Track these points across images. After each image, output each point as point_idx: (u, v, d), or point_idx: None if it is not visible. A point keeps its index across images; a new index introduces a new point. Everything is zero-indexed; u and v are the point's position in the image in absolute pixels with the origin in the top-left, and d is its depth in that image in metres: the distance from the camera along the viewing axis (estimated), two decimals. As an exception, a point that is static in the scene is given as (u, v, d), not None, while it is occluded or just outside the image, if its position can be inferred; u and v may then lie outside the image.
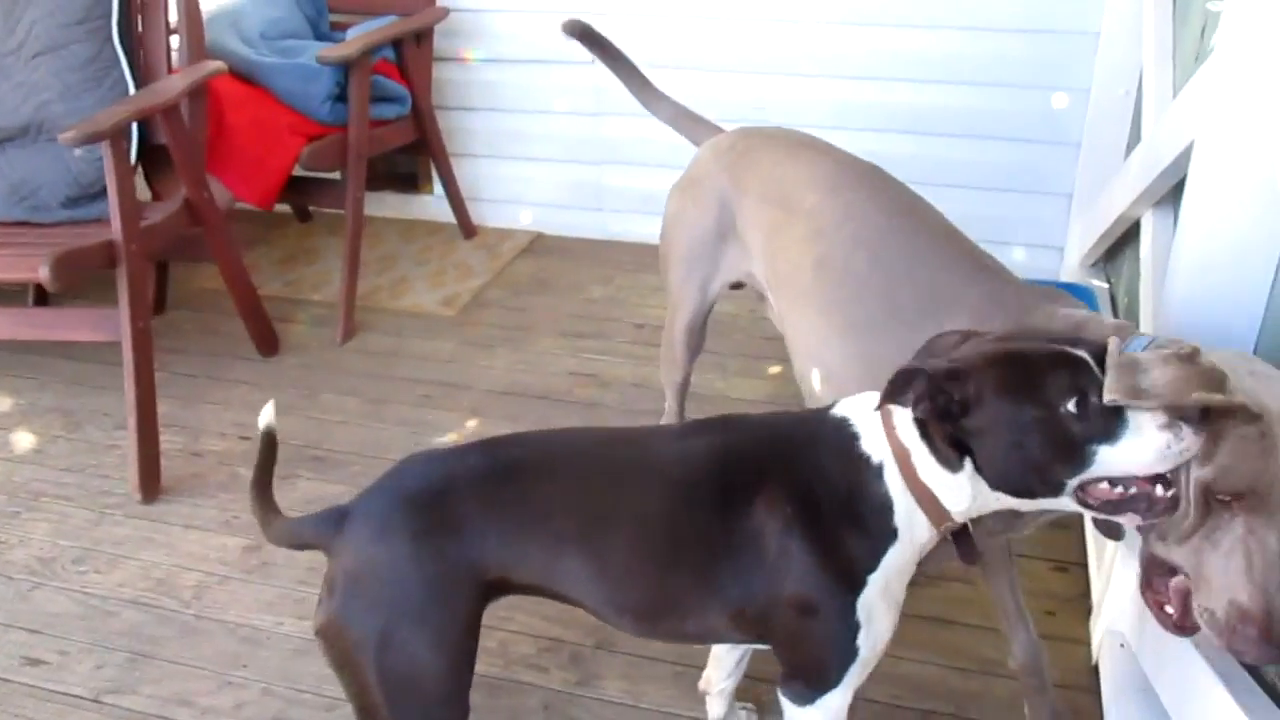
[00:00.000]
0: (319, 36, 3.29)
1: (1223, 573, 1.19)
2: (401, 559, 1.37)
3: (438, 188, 3.75)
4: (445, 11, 3.30)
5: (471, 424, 2.66)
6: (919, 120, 3.21)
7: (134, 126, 2.53)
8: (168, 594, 2.15)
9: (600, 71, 3.30)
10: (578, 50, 3.11)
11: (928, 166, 2.90)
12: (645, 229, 3.56)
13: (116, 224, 2.29)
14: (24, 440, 2.66)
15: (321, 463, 2.55)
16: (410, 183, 3.81)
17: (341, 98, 2.97)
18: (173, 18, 2.64)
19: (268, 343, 2.98)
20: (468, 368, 2.93)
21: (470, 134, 3.62)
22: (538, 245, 3.65)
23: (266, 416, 1.61)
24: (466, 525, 1.37)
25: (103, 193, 2.49)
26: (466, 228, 3.67)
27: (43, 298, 2.84)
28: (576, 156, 3.59)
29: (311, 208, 3.86)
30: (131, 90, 2.55)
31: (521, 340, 3.06)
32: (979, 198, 3.18)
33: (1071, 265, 3.15)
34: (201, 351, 3.01)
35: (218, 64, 2.60)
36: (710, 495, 1.36)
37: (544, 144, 3.61)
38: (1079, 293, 2.61)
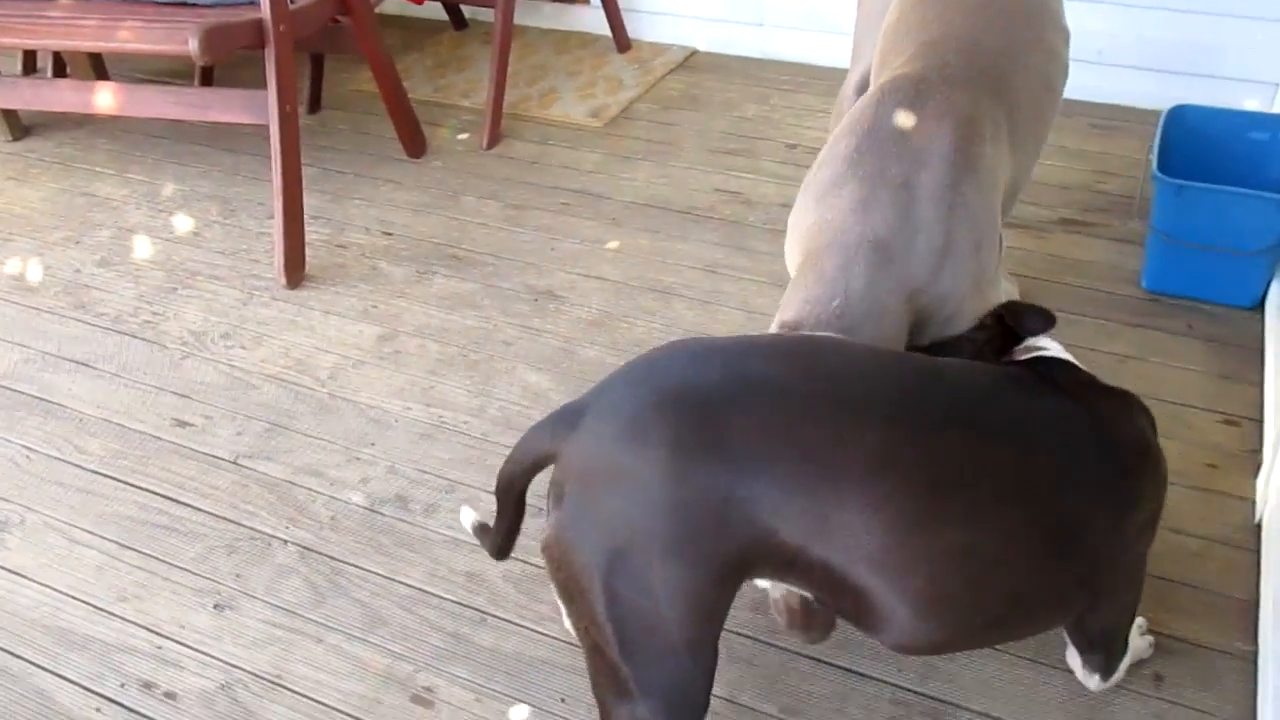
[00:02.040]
0: None
1: None
2: (653, 471, 1.07)
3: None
4: None
5: (611, 239, 2.60)
6: None
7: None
8: (305, 373, 2.21)
9: None
10: None
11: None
12: (807, 48, 3.37)
13: (265, 3, 2.26)
14: (183, 223, 2.75)
15: (458, 261, 2.54)
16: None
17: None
18: None
19: (415, 144, 2.96)
20: (610, 179, 2.85)
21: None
22: (693, 62, 3.48)
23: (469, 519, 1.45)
24: (744, 453, 1.07)
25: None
26: (621, 41, 3.53)
27: (207, 82, 2.88)
28: (738, -32, 3.37)
29: (469, 15, 3.78)
30: None
31: (667, 155, 2.95)
32: (1180, 21, 2.83)
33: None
34: (351, 150, 3.02)
35: None
36: (1083, 451, 1.22)
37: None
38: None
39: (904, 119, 1.48)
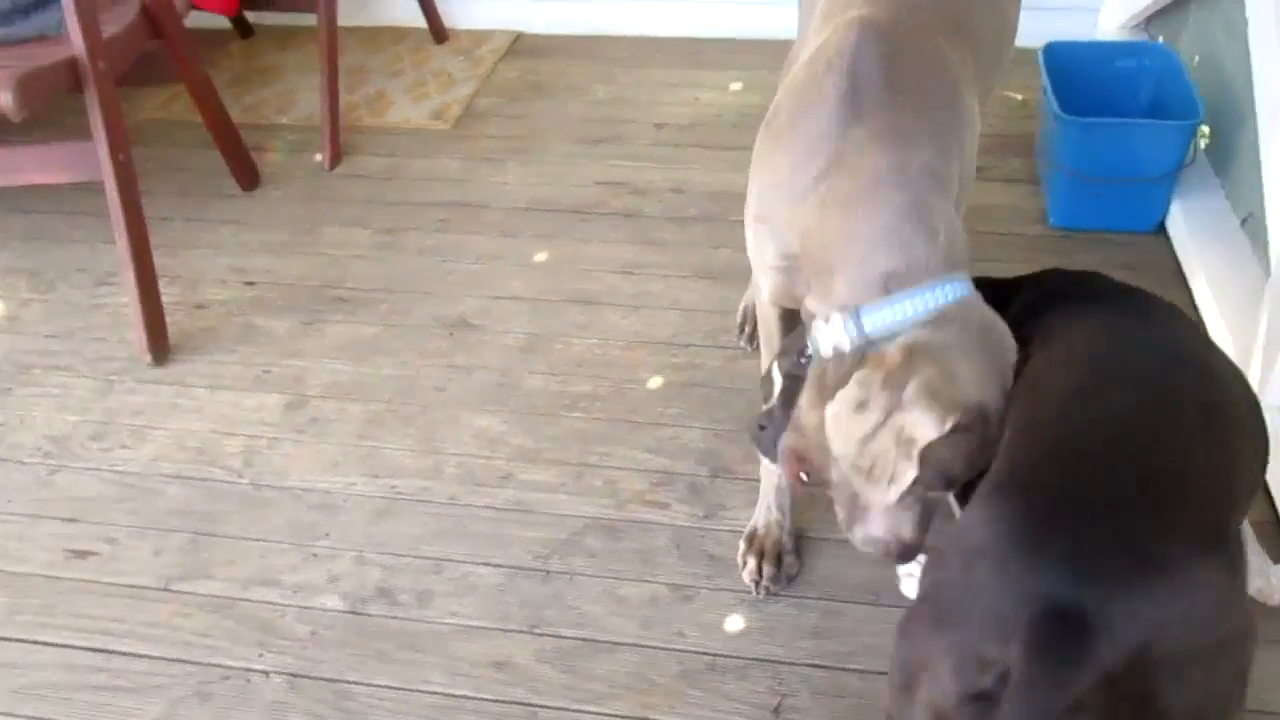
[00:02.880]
0: None
1: None
2: None
3: (399, -13, 3.33)
4: None
5: (508, 252, 2.39)
6: None
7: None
8: (213, 464, 1.90)
9: None
10: None
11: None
12: (640, 20, 3.23)
13: (77, 36, 1.89)
14: (-10, 308, 2.31)
15: (346, 302, 2.27)
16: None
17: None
18: None
19: (248, 175, 2.62)
20: (481, 185, 2.63)
21: (432, -81, 3.16)
22: (520, 46, 3.27)
23: None
24: None
25: (41, 2, 2.08)
26: (437, 31, 3.26)
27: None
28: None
29: (253, 20, 3.39)
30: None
31: (532, 151, 2.75)
32: None
33: (1108, 28, 2.92)
34: (172, 191, 2.63)
35: None
36: None
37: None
38: (1158, 52, 2.40)
39: (890, 62, 1.35)
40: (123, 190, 2.00)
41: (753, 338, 2.03)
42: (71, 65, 1.90)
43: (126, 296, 2.13)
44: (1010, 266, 2.19)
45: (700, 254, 2.33)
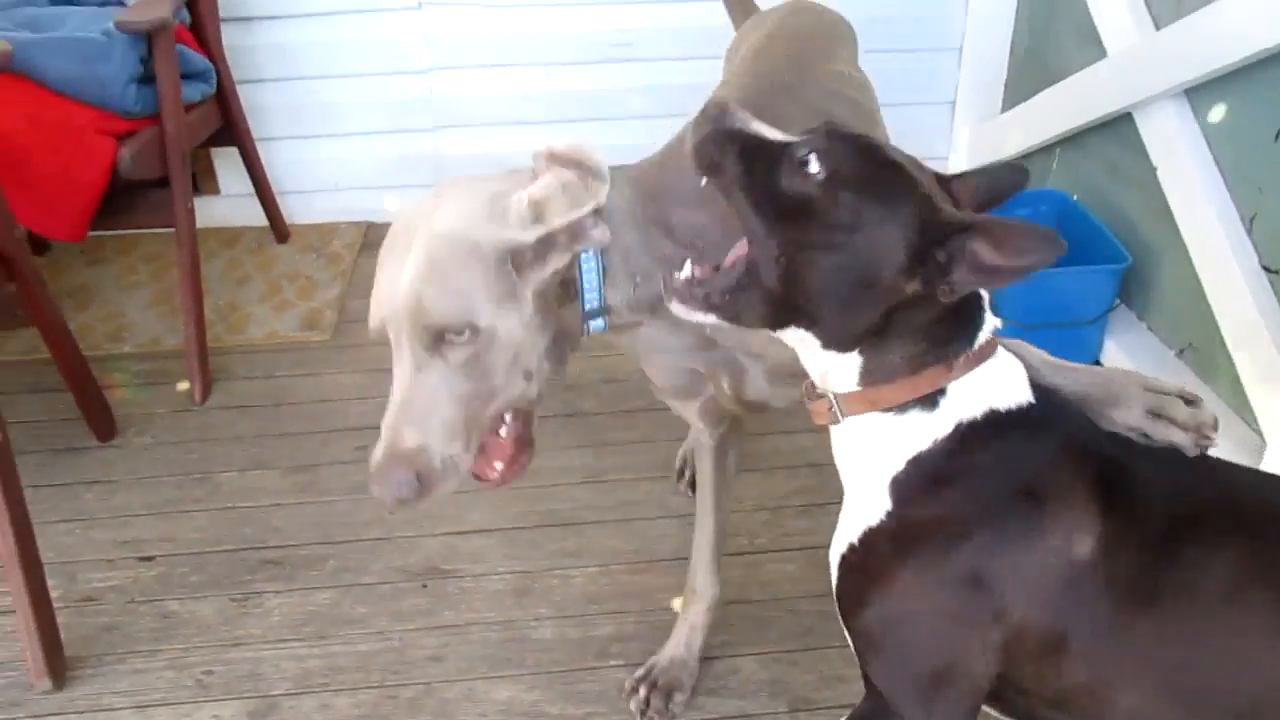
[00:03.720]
0: (55, 1, 2.42)
1: None
2: None
3: (226, 185, 3.00)
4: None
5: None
6: None
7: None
8: (178, 814, 1.48)
9: (429, 17, 2.76)
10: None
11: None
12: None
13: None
14: None
15: (280, 565, 1.90)
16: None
17: (146, 79, 2.20)
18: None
19: (104, 421, 2.19)
20: (374, 411, 2.32)
21: (264, 112, 2.89)
22: (374, 238, 3.01)
23: None
24: None
25: None
26: (280, 229, 2.96)
27: None
28: (405, 125, 2.99)
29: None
30: None
31: (433, 354, 2.48)
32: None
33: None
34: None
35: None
36: None
37: (364, 114, 2.96)
38: (1054, 199, 2.52)
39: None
40: (5, 476, 1.58)
41: (692, 483, 1.88)
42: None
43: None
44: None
45: (662, 449, 2.15)
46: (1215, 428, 1.06)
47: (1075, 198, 2.54)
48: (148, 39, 2.15)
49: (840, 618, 1.08)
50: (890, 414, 1.02)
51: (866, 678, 1.09)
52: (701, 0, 2.85)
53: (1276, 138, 1.89)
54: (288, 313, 2.65)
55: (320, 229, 3.04)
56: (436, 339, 1.07)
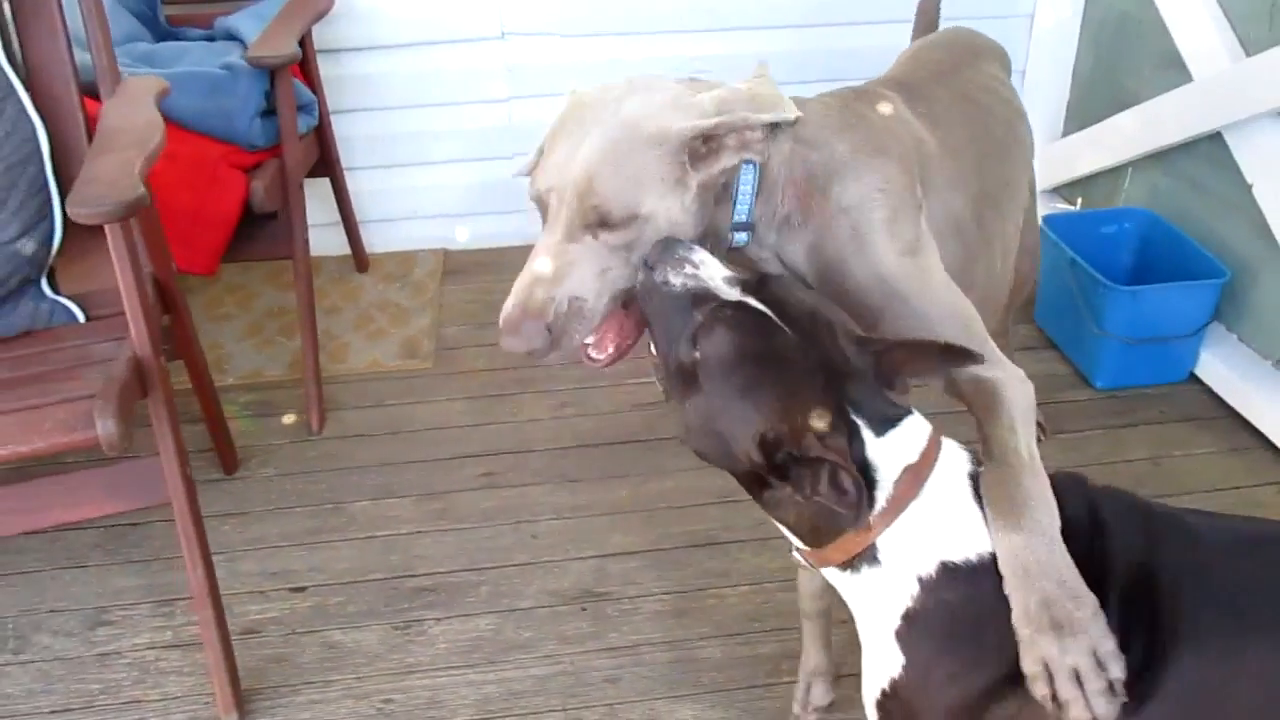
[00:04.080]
0: (160, 37, 2.43)
1: None
2: None
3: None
4: (334, -11, 2.58)
5: (584, 500, 2.13)
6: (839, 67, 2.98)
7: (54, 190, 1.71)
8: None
9: (511, 46, 2.79)
10: (479, 21, 2.60)
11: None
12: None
13: (140, 332, 1.51)
14: (-52, 687, 1.74)
15: (435, 592, 1.92)
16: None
17: (266, 111, 2.22)
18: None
19: (231, 454, 2.20)
20: (504, 428, 2.35)
21: (346, 141, 2.90)
22: (453, 265, 3.04)
23: None
24: None
25: (20, 290, 1.67)
26: (361, 259, 2.97)
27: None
28: (484, 153, 3.02)
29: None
30: (40, 128, 1.70)
31: (538, 379, 2.51)
32: None
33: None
34: (136, 488, 2.15)
35: (155, 80, 1.80)
36: None
37: (444, 143, 2.99)
38: (1139, 217, 2.59)
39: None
40: (191, 510, 1.59)
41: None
42: (136, 369, 1.50)
43: (144, 637, 1.71)
44: (1084, 436, 2.25)
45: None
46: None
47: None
48: (270, 72, 2.17)
49: None
50: (849, 573, 1.06)
51: None
52: (778, 29, 2.94)
53: (1388, 156, 1.97)
54: (383, 341, 2.67)
55: (398, 257, 3.06)
56: (598, 219, 1.11)
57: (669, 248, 1.10)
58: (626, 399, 2.42)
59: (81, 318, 1.73)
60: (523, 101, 2.95)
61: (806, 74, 2.94)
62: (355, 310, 2.80)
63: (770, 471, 1.01)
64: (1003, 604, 1.01)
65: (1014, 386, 1.15)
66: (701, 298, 1.06)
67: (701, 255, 1.10)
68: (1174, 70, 2.48)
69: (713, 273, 1.08)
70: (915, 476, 1.02)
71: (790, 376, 1.00)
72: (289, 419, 2.38)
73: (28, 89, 1.70)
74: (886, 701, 1.07)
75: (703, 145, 1.13)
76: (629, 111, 1.13)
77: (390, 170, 3.00)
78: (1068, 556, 1.01)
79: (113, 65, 1.79)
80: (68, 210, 1.36)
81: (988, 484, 1.05)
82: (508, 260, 2.99)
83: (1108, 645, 0.98)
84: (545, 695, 1.71)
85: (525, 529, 2.05)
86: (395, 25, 2.81)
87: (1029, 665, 0.99)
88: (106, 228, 1.43)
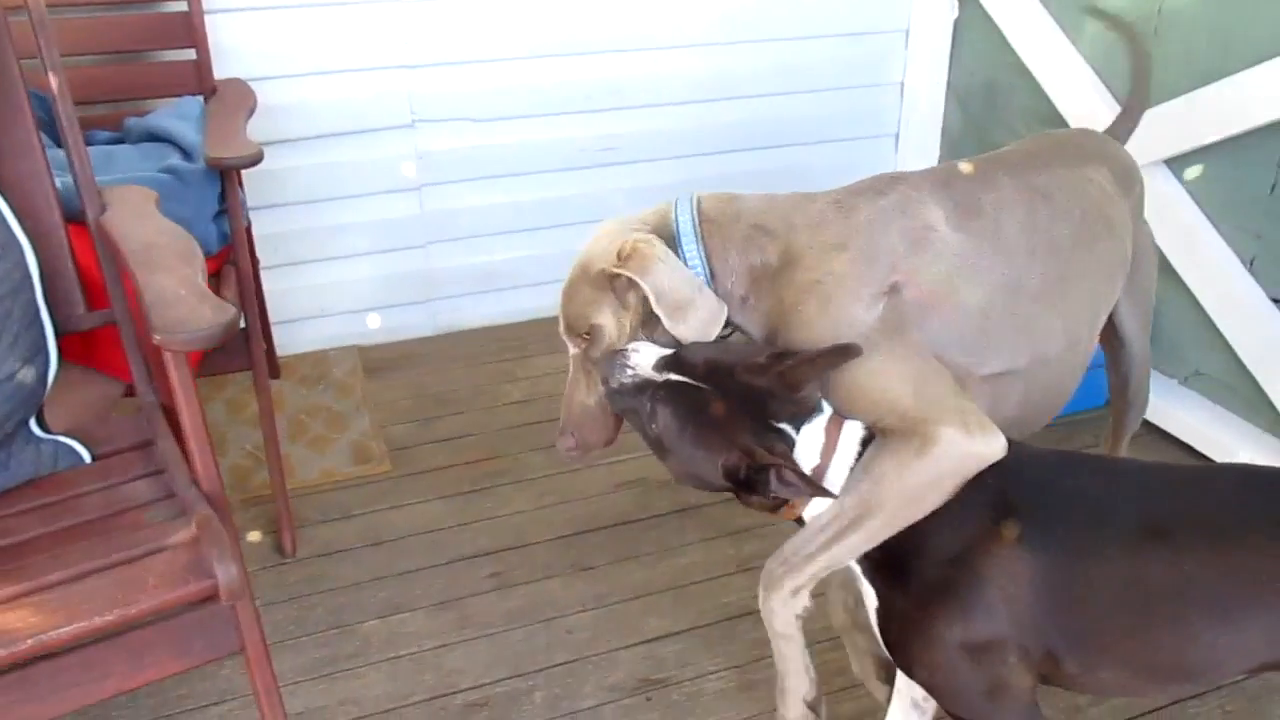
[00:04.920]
0: (58, 142, 2.21)
1: None
2: None
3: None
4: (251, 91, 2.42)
5: (603, 589, 2.08)
6: (738, 137, 3.12)
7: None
8: None
9: (421, 134, 2.73)
10: (387, 110, 2.54)
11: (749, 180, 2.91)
12: (485, 310, 3.04)
13: (207, 470, 1.37)
14: None
15: (491, 709, 1.80)
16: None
17: (219, 213, 2.06)
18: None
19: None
20: (498, 523, 2.26)
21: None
22: (372, 362, 2.90)
23: None
24: None
25: (16, 431, 1.48)
26: (273, 364, 2.78)
27: None
28: (396, 243, 2.92)
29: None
30: (28, 250, 1.51)
31: (509, 470, 2.43)
32: (806, 151, 3.21)
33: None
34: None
35: (141, 189, 1.64)
36: None
37: (354, 235, 2.87)
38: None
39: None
40: (267, 654, 1.44)
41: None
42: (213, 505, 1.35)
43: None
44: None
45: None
46: None
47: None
48: (221, 174, 2.03)
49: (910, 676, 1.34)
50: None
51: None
52: (681, 105, 3.03)
53: (1272, 190, 2.27)
54: (329, 449, 2.51)
55: (311, 359, 2.90)
56: (575, 335, 1.46)
57: (610, 359, 1.39)
58: (606, 480, 2.39)
59: (88, 457, 1.54)
60: (434, 189, 2.89)
61: (705, 146, 3.08)
62: (283, 419, 2.62)
63: (740, 487, 1.31)
64: (937, 539, 1.27)
65: (938, 444, 1.28)
66: (643, 386, 1.34)
67: (637, 354, 1.37)
68: (1050, 125, 2.75)
69: (645, 362, 1.36)
70: (829, 449, 1.33)
71: (723, 419, 1.29)
72: (254, 537, 2.19)
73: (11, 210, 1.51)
74: (882, 632, 1.35)
75: (614, 281, 1.41)
76: (578, 256, 1.47)
77: (298, 267, 2.84)
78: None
79: (91, 177, 1.62)
80: (157, 339, 1.22)
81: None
82: (428, 353, 2.92)
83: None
84: (645, 795, 1.65)
85: (557, 625, 1.98)
86: (302, 118, 2.69)
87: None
88: (170, 355, 1.29)
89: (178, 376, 1.32)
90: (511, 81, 2.84)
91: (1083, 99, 2.64)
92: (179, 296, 1.28)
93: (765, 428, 1.30)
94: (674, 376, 1.32)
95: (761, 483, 1.28)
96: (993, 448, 1.30)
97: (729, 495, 1.35)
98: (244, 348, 2.12)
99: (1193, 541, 1.18)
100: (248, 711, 1.76)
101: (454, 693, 1.84)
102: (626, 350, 1.38)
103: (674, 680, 1.86)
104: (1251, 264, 2.34)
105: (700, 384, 1.31)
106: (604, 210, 3.12)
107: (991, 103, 3.03)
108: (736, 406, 1.30)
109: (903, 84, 3.24)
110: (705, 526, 2.24)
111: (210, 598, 1.24)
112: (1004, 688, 1.25)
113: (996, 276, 1.44)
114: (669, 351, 1.37)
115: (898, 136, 3.31)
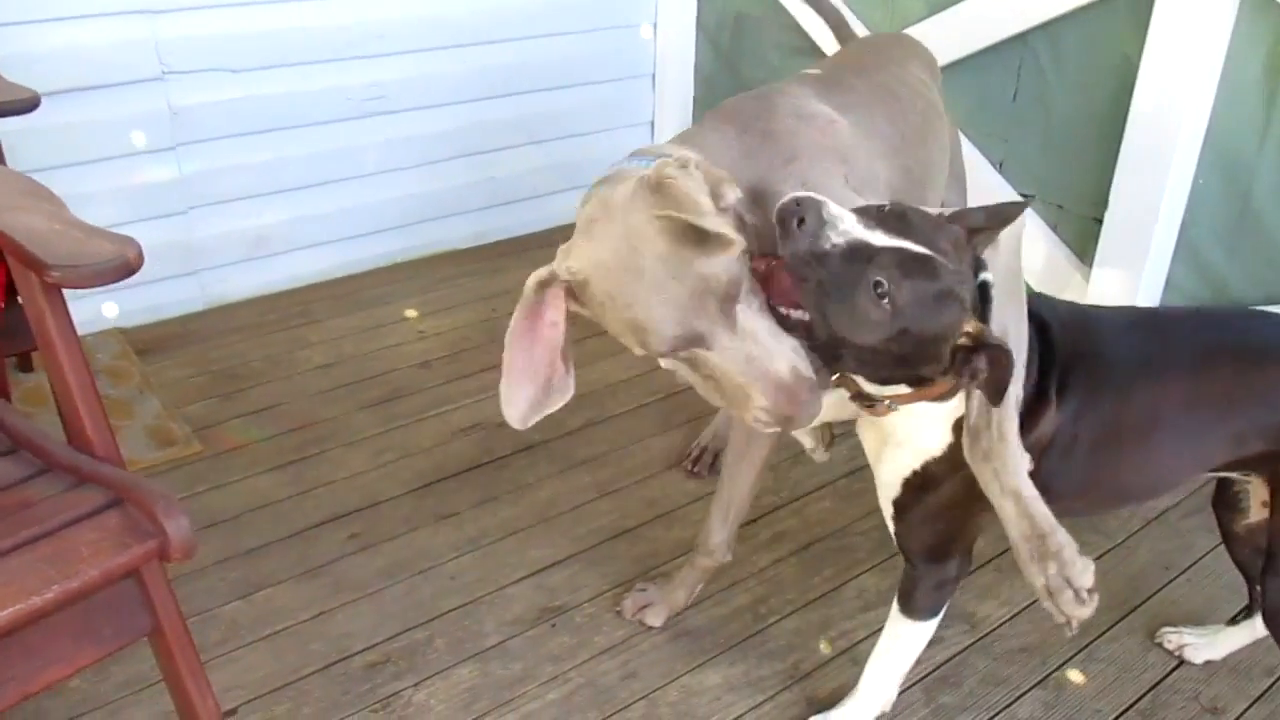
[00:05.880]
0: None
1: None
2: None
3: (-67, 317, 2.41)
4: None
5: (452, 530, 2.03)
6: (502, 83, 3.10)
7: None
8: None
9: (173, 87, 2.52)
10: (132, 61, 2.35)
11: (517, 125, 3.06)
12: (259, 278, 2.84)
13: (101, 432, 1.20)
14: None
15: (394, 664, 1.72)
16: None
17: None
18: None
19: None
20: (340, 487, 2.14)
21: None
22: (139, 342, 2.62)
23: None
24: None
25: None
26: (23, 358, 2.45)
27: None
28: (153, 212, 2.64)
29: None
30: None
31: (335, 432, 2.30)
32: (569, 144, 3.26)
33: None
34: None
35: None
36: None
37: (104, 206, 2.54)
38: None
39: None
40: (186, 631, 1.29)
41: (710, 465, 2.16)
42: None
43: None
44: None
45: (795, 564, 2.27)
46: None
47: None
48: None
49: (893, 518, 1.42)
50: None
51: (902, 550, 1.45)
52: (447, 50, 2.96)
53: (1014, 98, 2.57)
54: (123, 438, 2.24)
55: (68, 347, 2.56)
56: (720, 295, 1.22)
57: (810, 209, 1.10)
58: (441, 429, 2.32)
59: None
60: (192, 148, 2.64)
61: (478, 91, 3.03)
62: (51, 415, 2.31)
63: (948, 375, 1.19)
64: None
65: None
66: (858, 251, 1.10)
67: (834, 210, 1.12)
68: (804, 56, 2.94)
69: (851, 224, 1.12)
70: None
71: (958, 291, 1.14)
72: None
73: None
74: (914, 478, 1.35)
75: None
76: (625, 227, 1.16)
77: (42, 246, 2.50)
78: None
79: None
80: (55, 275, 1.05)
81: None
82: (202, 328, 2.68)
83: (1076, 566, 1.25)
84: (580, 713, 1.64)
85: (437, 574, 1.91)
86: (27, 73, 2.34)
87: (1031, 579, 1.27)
88: (47, 306, 1.12)
89: (55, 325, 1.15)
90: (270, 26, 2.64)
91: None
92: (57, 231, 1.11)
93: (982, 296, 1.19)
94: (900, 244, 1.12)
95: (967, 364, 1.15)
96: None
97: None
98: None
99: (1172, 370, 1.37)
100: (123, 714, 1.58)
101: (349, 656, 1.73)
102: (821, 205, 1.11)
103: (572, 604, 1.85)
104: (1000, 166, 2.64)
105: (920, 248, 1.12)
106: (376, 163, 3.05)
107: (742, 37, 3.19)
108: (963, 278, 1.15)
109: (655, 24, 3.33)
110: (554, 460, 2.23)
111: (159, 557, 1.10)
112: (957, 539, 1.43)
113: (895, 157, 1.53)
114: (865, 205, 1.17)
115: (653, 77, 3.40)
